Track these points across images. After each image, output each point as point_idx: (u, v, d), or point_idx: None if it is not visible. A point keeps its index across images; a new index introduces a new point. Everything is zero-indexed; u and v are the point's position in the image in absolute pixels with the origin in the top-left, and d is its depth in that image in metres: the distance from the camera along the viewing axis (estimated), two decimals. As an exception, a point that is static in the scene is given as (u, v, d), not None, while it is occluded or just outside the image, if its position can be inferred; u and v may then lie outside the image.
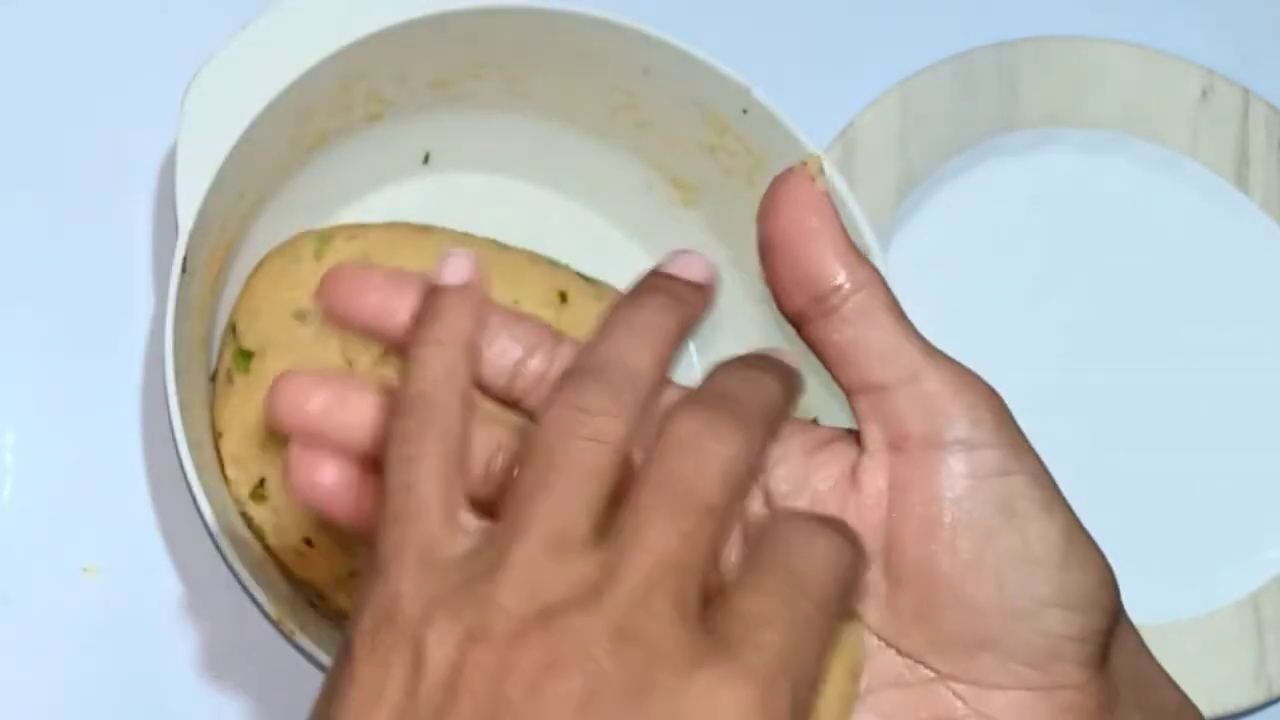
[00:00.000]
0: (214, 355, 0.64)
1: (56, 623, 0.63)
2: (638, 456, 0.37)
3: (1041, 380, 0.71)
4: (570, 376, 0.37)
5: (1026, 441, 0.40)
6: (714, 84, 0.63)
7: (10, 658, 0.62)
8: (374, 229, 0.65)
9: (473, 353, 0.39)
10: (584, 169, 0.69)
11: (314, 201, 0.66)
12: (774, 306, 0.41)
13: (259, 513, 0.62)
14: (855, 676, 0.39)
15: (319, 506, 0.40)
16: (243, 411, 0.62)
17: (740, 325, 0.65)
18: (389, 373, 0.40)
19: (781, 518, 0.37)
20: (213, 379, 0.63)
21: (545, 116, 0.67)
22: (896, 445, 0.40)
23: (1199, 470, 0.72)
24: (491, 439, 0.39)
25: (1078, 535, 0.40)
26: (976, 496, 0.39)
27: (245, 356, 0.62)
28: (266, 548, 0.62)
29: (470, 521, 0.37)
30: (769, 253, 0.40)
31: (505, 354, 0.40)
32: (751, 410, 0.37)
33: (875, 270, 0.40)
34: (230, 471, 0.62)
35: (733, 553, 0.39)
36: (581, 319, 0.62)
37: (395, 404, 0.38)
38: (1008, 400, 0.40)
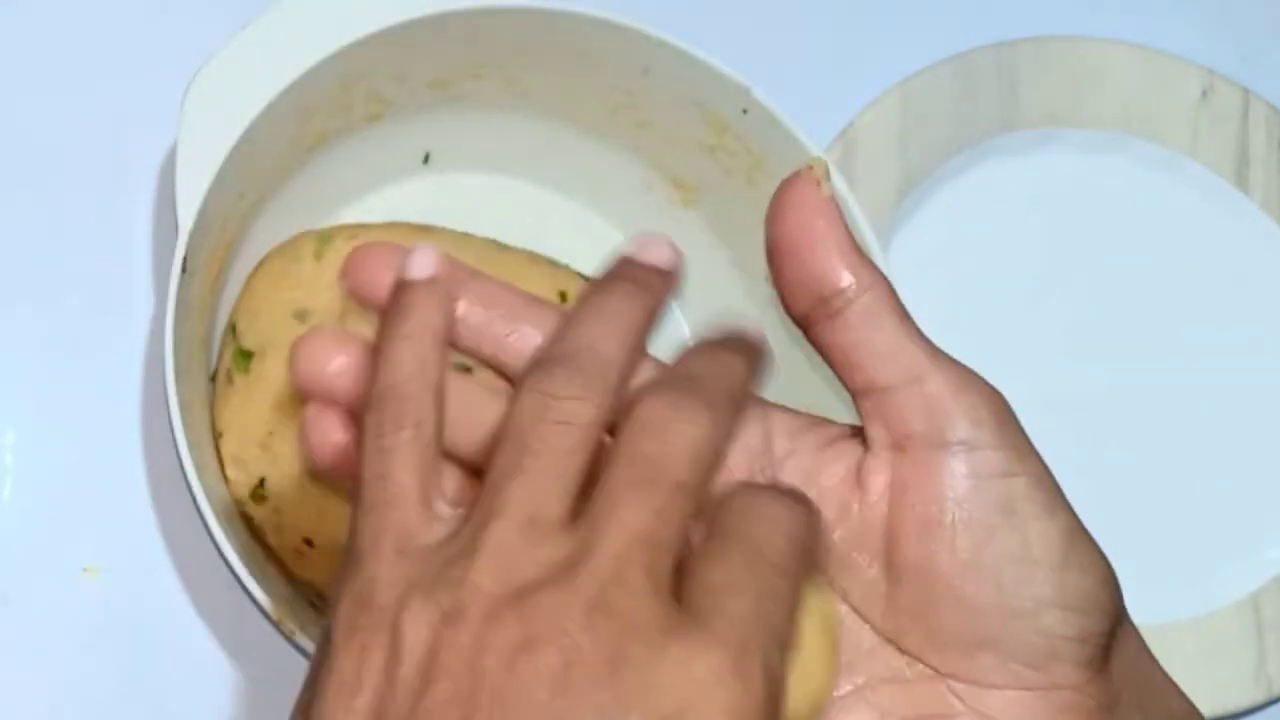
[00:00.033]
0: (214, 355, 0.64)
1: (56, 623, 0.63)
2: (609, 441, 0.37)
3: (1041, 380, 0.71)
4: (541, 364, 0.37)
5: (1029, 443, 0.40)
6: (714, 84, 0.63)
7: (10, 658, 0.62)
8: (374, 229, 0.65)
9: (443, 345, 0.39)
10: (584, 169, 0.69)
11: (314, 201, 0.66)
12: (780, 308, 0.41)
13: (259, 513, 0.62)
14: (831, 635, 0.40)
15: (332, 467, 0.40)
16: (243, 411, 0.62)
17: (740, 325, 0.65)
18: None
19: (737, 490, 0.37)
20: (213, 379, 0.63)
21: (545, 116, 0.67)
22: (899, 445, 0.40)
23: (1199, 470, 0.72)
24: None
25: (1079, 536, 0.40)
26: (977, 497, 0.39)
27: (245, 356, 0.62)
28: (266, 548, 0.62)
29: (445, 510, 0.37)
30: (775, 256, 0.41)
31: (525, 340, 0.40)
32: (718, 391, 0.37)
33: (880, 273, 0.41)
34: (230, 471, 0.62)
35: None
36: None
37: (368, 399, 0.38)
38: (1007, 400, 0.41)
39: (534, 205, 0.69)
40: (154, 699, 0.63)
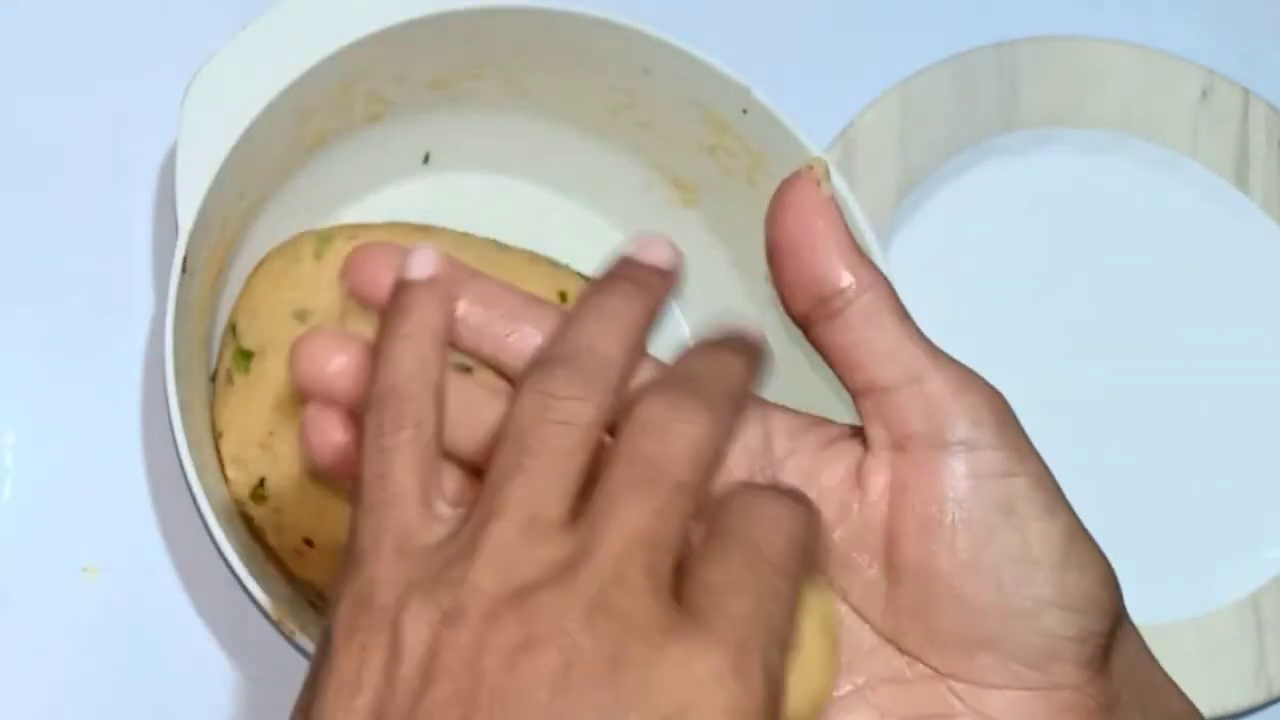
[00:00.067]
0: (214, 355, 0.64)
1: (56, 623, 0.63)
2: (609, 441, 0.37)
3: (1041, 380, 0.71)
4: (541, 364, 0.38)
5: (1029, 443, 0.40)
6: (714, 84, 0.63)
7: (10, 658, 0.62)
8: (374, 229, 0.65)
9: (443, 345, 0.39)
10: (584, 169, 0.69)
11: (314, 201, 0.66)
12: (780, 308, 0.41)
13: (259, 513, 0.62)
14: (831, 635, 0.40)
15: (332, 467, 0.40)
16: (243, 411, 0.62)
17: (740, 325, 0.65)
18: None
19: (737, 490, 0.37)
20: (213, 379, 0.63)
21: (545, 116, 0.67)
22: (899, 445, 0.40)
23: (1199, 470, 0.72)
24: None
25: (1079, 537, 0.40)
26: (977, 497, 0.39)
27: (245, 356, 0.62)
28: (266, 548, 0.62)
29: (445, 510, 0.37)
30: (776, 256, 0.41)
31: (525, 340, 0.40)
32: (717, 391, 0.37)
33: (880, 273, 0.41)
34: (230, 471, 0.62)
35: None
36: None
37: (368, 399, 0.38)
38: (1007, 400, 0.41)
39: (534, 205, 0.69)
40: (154, 699, 0.63)
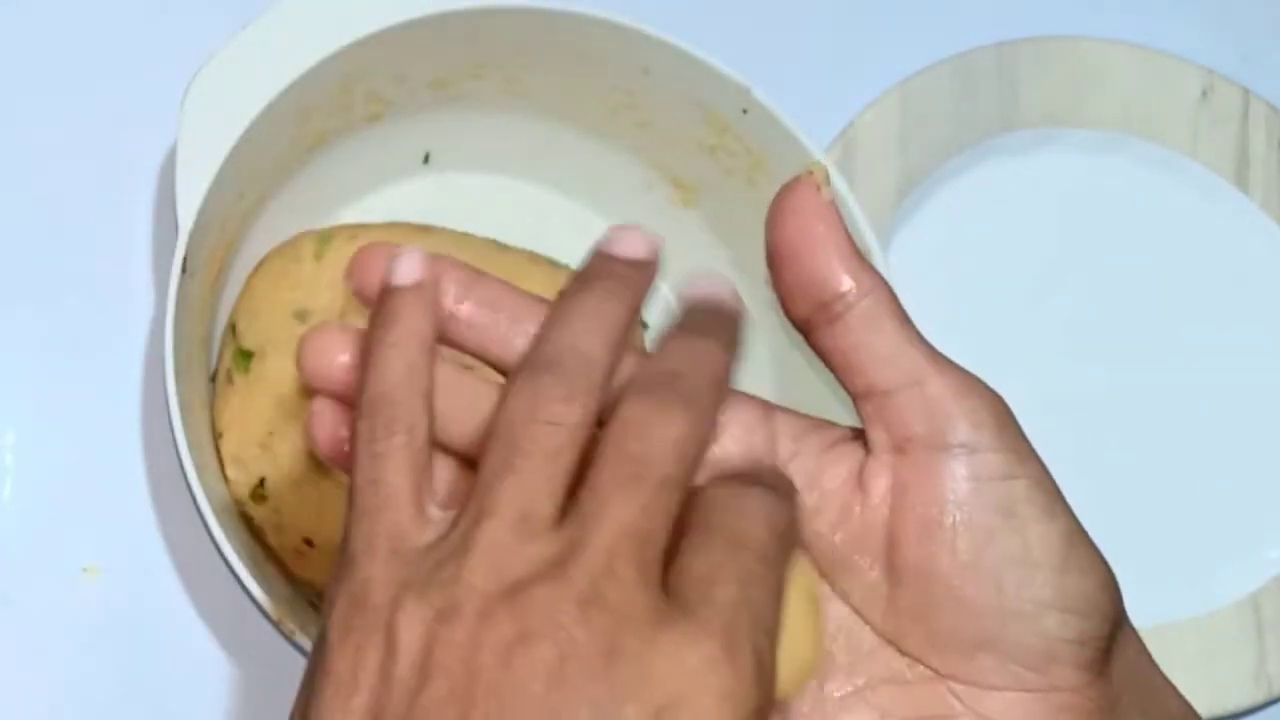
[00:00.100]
0: (214, 355, 0.64)
1: (56, 623, 0.63)
2: (599, 433, 0.37)
3: (1041, 380, 0.71)
4: (526, 367, 0.38)
5: (1029, 446, 0.40)
6: (714, 84, 0.63)
7: (10, 658, 0.62)
8: (374, 229, 0.65)
9: (431, 350, 0.39)
10: (584, 169, 0.69)
11: (314, 201, 0.66)
12: (780, 312, 0.41)
13: (259, 513, 0.62)
14: (814, 606, 0.40)
15: (338, 459, 0.41)
16: (243, 411, 0.62)
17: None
18: None
19: (716, 482, 0.38)
20: (213, 379, 0.63)
21: (545, 116, 0.67)
22: (900, 448, 0.40)
23: (1199, 471, 0.72)
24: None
25: (1079, 540, 0.40)
26: (977, 499, 0.39)
27: (245, 356, 0.62)
28: (266, 548, 0.62)
29: (437, 513, 0.37)
30: (776, 260, 0.41)
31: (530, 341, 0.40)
32: (699, 386, 0.38)
33: (880, 277, 0.41)
34: (230, 471, 0.62)
35: None
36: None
37: (359, 406, 0.39)
38: (1007, 400, 0.41)
39: (534, 205, 0.69)
40: (154, 699, 0.63)
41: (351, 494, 0.38)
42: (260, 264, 0.64)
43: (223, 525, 0.56)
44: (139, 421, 0.65)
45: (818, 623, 0.40)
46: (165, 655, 0.63)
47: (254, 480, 0.61)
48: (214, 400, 0.63)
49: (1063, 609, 0.39)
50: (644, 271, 0.40)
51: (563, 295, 0.39)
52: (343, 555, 0.37)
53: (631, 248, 0.40)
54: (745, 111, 0.63)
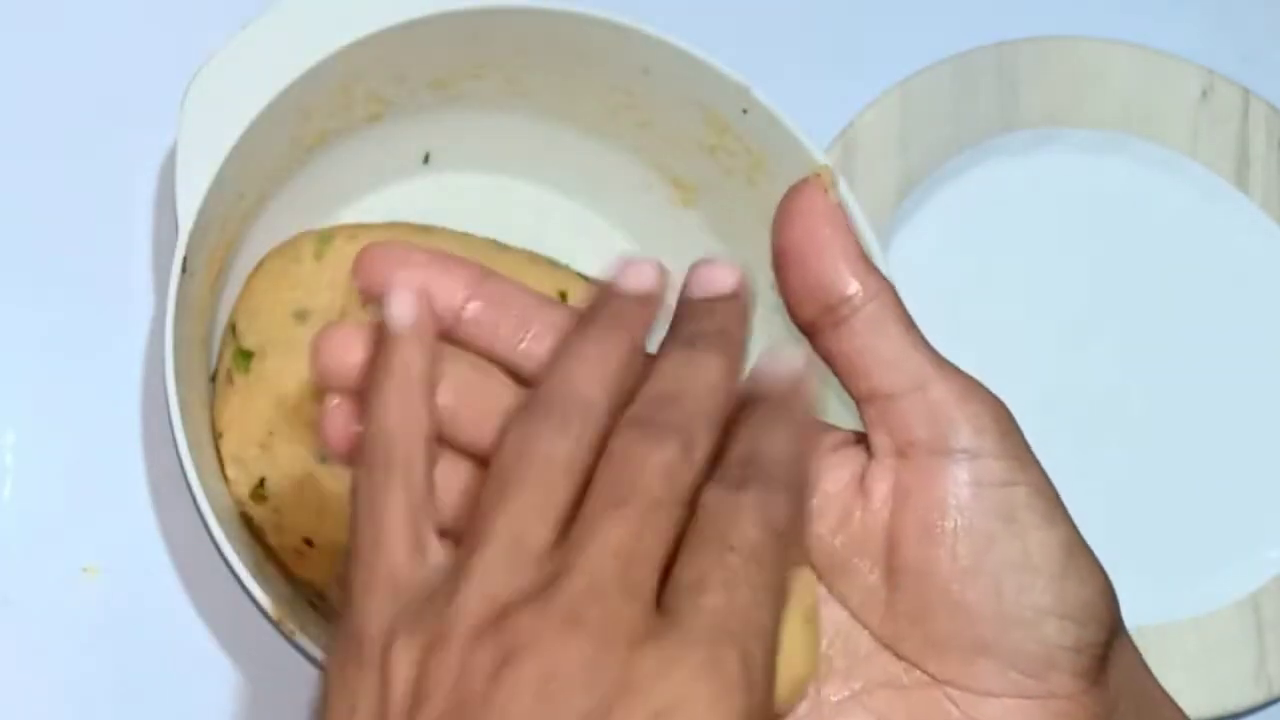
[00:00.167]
0: (214, 355, 0.64)
1: (56, 623, 0.63)
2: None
3: (1041, 380, 0.71)
4: (525, 409, 0.38)
5: (1031, 453, 0.40)
6: (714, 84, 0.63)
7: (10, 658, 0.62)
8: (374, 229, 0.65)
9: (430, 390, 0.39)
10: (584, 169, 0.69)
11: (314, 201, 0.66)
12: (784, 314, 0.41)
13: (259, 513, 0.62)
14: (811, 620, 0.40)
15: (349, 456, 0.40)
16: (243, 411, 0.62)
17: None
18: None
19: (705, 488, 0.37)
20: (213, 379, 0.63)
21: (545, 116, 0.67)
22: (902, 452, 0.40)
23: (1199, 470, 0.72)
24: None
25: (1078, 547, 0.40)
26: (978, 504, 0.39)
27: (245, 356, 0.62)
28: (266, 548, 0.62)
29: (437, 553, 0.38)
30: (782, 263, 0.41)
31: (541, 340, 0.40)
32: (691, 406, 0.37)
33: (886, 280, 0.41)
34: (230, 471, 0.62)
35: None
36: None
37: (358, 447, 0.39)
38: (1007, 401, 0.41)
39: (534, 205, 0.69)
40: (154, 699, 0.63)
41: (351, 534, 0.38)
42: (260, 264, 0.64)
43: (223, 525, 0.56)
44: (139, 421, 0.65)
45: (815, 637, 0.40)
46: (165, 655, 0.63)
47: (254, 480, 0.61)
48: (214, 400, 0.63)
49: (1061, 616, 0.39)
50: (647, 306, 0.40)
51: (565, 340, 0.39)
52: (344, 595, 0.38)
53: (636, 281, 0.40)
54: (745, 111, 0.63)
